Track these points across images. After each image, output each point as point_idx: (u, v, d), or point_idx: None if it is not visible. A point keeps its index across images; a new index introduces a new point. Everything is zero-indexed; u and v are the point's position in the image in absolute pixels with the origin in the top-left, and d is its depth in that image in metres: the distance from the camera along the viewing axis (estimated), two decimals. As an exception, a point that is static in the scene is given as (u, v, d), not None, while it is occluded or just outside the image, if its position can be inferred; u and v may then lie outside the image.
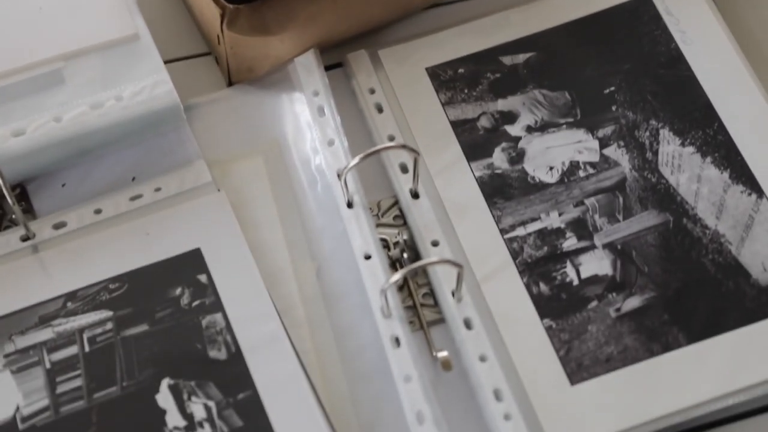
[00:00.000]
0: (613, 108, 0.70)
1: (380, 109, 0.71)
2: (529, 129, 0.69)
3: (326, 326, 0.63)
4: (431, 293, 0.65)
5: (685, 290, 0.62)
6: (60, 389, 0.60)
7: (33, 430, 0.58)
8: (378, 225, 0.67)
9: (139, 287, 0.63)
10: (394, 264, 0.66)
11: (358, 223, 0.65)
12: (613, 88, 0.70)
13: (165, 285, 0.63)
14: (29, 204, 0.67)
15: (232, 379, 0.60)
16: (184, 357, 0.61)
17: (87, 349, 0.61)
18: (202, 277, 0.64)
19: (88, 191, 0.68)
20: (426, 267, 0.64)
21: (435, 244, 0.65)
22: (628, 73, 0.71)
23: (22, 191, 0.67)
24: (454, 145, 0.69)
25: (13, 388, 0.60)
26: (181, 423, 0.59)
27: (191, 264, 0.64)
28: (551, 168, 0.68)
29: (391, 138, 0.70)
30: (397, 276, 0.61)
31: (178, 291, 0.63)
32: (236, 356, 0.61)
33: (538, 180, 0.67)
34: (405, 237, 0.67)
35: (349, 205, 0.66)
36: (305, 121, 0.70)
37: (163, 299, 0.63)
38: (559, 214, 0.66)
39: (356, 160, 0.65)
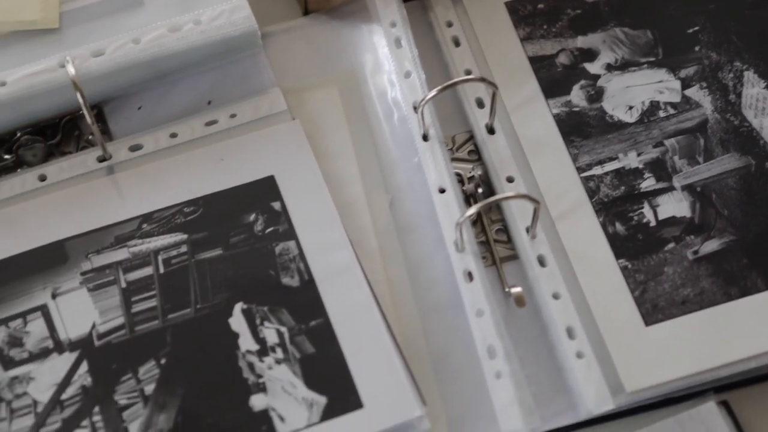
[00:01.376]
0: (696, 48, 0.68)
1: (457, 43, 0.70)
2: (609, 67, 0.68)
3: (399, 258, 0.63)
4: (504, 229, 0.64)
5: (766, 235, 0.61)
6: (135, 308, 0.60)
7: (109, 347, 0.59)
8: (452, 159, 0.66)
9: (214, 212, 0.64)
10: (468, 199, 0.65)
11: (433, 157, 0.65)
12: (696, 28, 0.69)
13: (239, 211, 0.64)
14: (105, 125, 0.67)
15: (305, 306, 0.60)
16: (257, 282, 0.61)
17: (162, 270, 0.62)
18: (276, 205, 0.64)
19: (163, 115, 0.68)
20: (501, 202, 0.64)
21: (510, 180, 0.65)
22: (713, 13, 0.69)
23: (98, 112, 0.67)
24: (531, 81, 0.68)
25: (90, 306, 0.60)
26: (254, 347, 0.59)
27: (265, 191, 0.64)
28: (630, 107, 0.67)
29: (468, 72, 0.69)
30: (473, 210, 0.60)
31: (252, 217, 0.63)
32: (309, 284, 0.61)
33: (616, 119, 0.66)
34: (479, 172, 0.66)
35: (425, 138, 0.66)
36: (382, 52, 0.70)
37: (237, 225, 0.63)
38: (638, 155, 0.65)
39: (434, 92, 0.64)
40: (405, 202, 0.65)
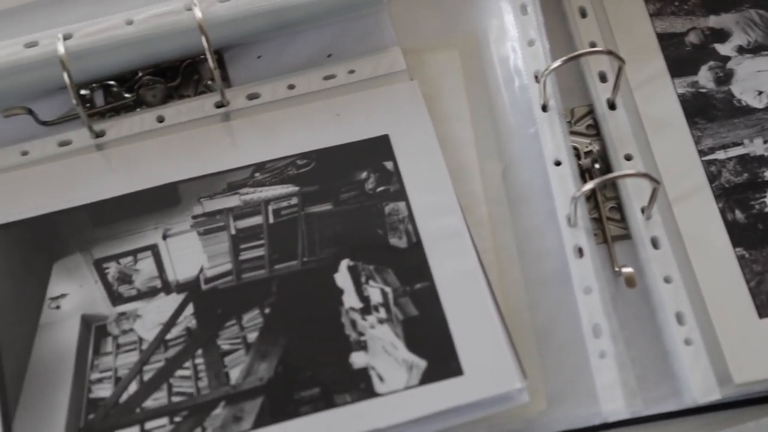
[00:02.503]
0: (834, 37, 0.66)
1: (584, 14, 0.69)
2: (741, 50, 0.66)
3: (508, 228, 0.62)
4: (618, 208, 0.63)
5: None
6: (243, 256, 0.61)
7: (215, 292, 0.60)
8: (570, 132, 0.65)
9: (326, 166, 0.63)
10: (583, 174, 0.64)
11: (551, 128, 0.64)
12: (836, 15, 0.66)
13: (351, 167, 0.63)
14: (225, 72, 0.68)
15: (411, 268, 0.60)
16: (365, 241, 0.61)
17: (271, 220, 0.62)
18: (389, 164, 0.63)
19: (282, 66, 0.68)
20: (617, 180, 0.63)
21: (628, 158, 0.63)
22: None
23: (218, 59, 0.68)
24: (658, 58, 0.66)
25: (199, 250, 0.61)
26: (358, 304, 0.59)
27: (379, 150, 0.64)
28: (760, 93, 0.65)
29: (593, 44, 0.67)
30: (591, 185, 0.59)
31: (364, 175, 0.63)
32: (416, 246, 0.61)
33: (744, 104, 0.64)
34: (596, 147, 0.65)
35: (544, 108, 0.65)
36: (506, 18, 0.69)
37: (348, 181, 0.63)
38: (764, 142, 0.63)
39: (558, 62, 0.63)
40: (518, 172, 0.64)
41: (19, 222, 0.61)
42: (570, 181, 0.62)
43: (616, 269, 0.61)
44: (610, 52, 0.63)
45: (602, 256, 0.61)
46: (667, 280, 0.59)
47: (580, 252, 0.60)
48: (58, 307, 0.59)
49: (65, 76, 0.61)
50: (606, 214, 0.63)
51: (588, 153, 0.65)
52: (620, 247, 0.62)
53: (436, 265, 0.60)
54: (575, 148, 0.65)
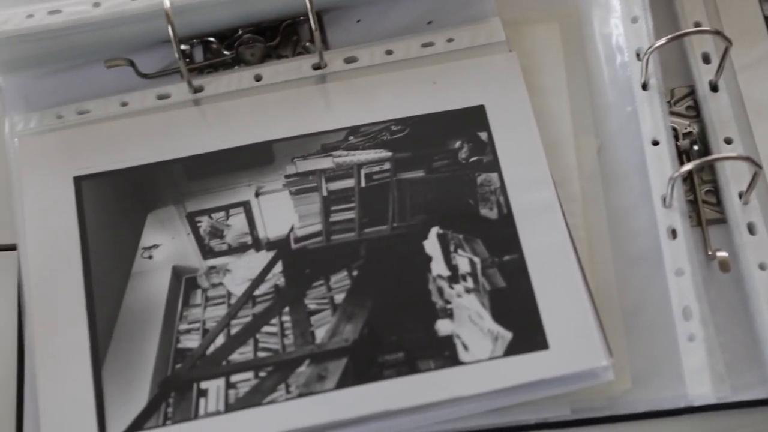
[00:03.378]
0: None
1: (689, -8, 0.67)
2: None
3: (601, 205, 0.62)
4: (714, 191, 0.62)
5: None
6: (333, 218, 0.61)
7: (304, 252, 0.60)
8: (670, 113, 0.64)
9: (420, 133, 0.63)
10: (681, 155, 0.63)
11: (650, 107, 0.63)
12: None
13: (445, 136, 0.63)
14: (324, 34, 0.68)
15: (500, 239, 0.60)
16: (455, 210, 0.61)
17: (363, 184, 0.62)
18: (483, 135, 0.63)
19: (381, 31, 0.68)
20: (715, 163, 0.61)
21: (728, 141, 0.62)
22: None
23: (318, 21, 0.68)
24: (765, 41, 0.65)
25: (290, 209, 0.61)
26: (445, 272, 0.59)
27: (473, 119, 0.64)
28: None
29: (697, 24, 0.66)
30: (690, 166, 0.59)
31: (457, 144, 0.63)
32: (507, 218, 0.60)
33: None
34: (696, 129, 0.64)
35: (644, 87, 0.64)
36: (610, -7, 0.68)
37: (441, 149, 0.63)
38: None
39: (663, 41, 0.62)
40: (614, 150, 0.63)
41: (117, 171, 0.62)
42: (667, 162, 0.61)
43: (710, 253, 0.60)
44: (717, 33, 0.61)
45: (696, 239, 0.60)
46: (762, 266, 0.58)
47: (673, 233, 0.59)
48: (150, 257, 0.60)
49: (169, 29, 0.62)
50: (702, 197, 0.62)
51: (687, 134, 0.64)
52: (714, 231, 0.61)
53: (526, 237, 0.60)
54: (674, 129, 0.64)
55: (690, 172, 0.62)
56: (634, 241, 0.61)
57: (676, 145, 0.63)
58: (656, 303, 0.58)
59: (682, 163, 0.61)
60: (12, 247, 0.61)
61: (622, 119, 0.64)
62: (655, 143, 0.62)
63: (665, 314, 0.58)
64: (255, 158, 0.63)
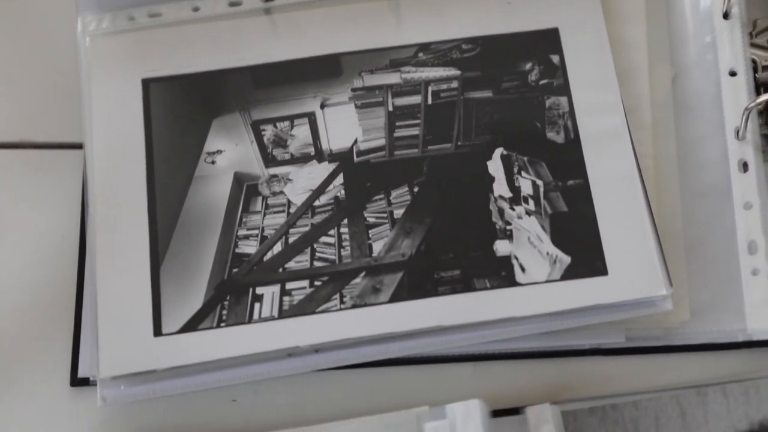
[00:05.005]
0: None
1: None
2: None
3: (671, 135, 0.60)
4: (790, 127, 0.60)
5: None
6: (397, 133, 0.61)
7: (366, 165, 0.60)
8: (750, 44, 0.62)
9: (491, 53, 0.62)
10: (758, 88, 0.61)
11: (731, 37, 0.61)
12: None
13: (516, 57, 0.62)
14: (399, -50, 0.67)
15: (565, 164, 0.59)
16: (521, 131, 0.60)
17: (429, 101, 0.61)
18: (555, 58, 0.62)
19: (457, -52, 0.66)
20: (794, 97, 0.60)
21: (809, 76, 0.60)
22: None
23: (394, -65, 0.67)
24: None
25: (355, 122, 0.61)
26: (507, 194, 0.58)
27: (546, 42, 0.62)
28: None
29: (785, -45, 0.64)
30: (765, 97, 0.57)
31: (528, 66, 0.62)
32: (573, 142, 0.59)
33: None
34: (776, 62, 0.62)
35: (725, 16, 0.62)
36: None
37: (511, 71, 0.62)
38: None
39: (747, -33, 0.60)
40: (689, 80, 0.62)
41: (185, 75, 0.62)
42: (743, 93, 0.59)
43: (781, 188, 0.58)
44: (804, -39, 0.59)
45: (767, 174, 0.59)
46: (834, 204, 0.57)
47: (744, 167, 0.58)
48: (213, 162, 0.60)
49: (243, -66, 0.61)
50: (777, 132, 0.60)
51: (766, 67, 0.62)
52: (788, 168, 0.60)
53: (592, 163, 0.59)
54: (753, 61, 0.62)
55: (766, 105, 0.60)
56: (703, 173, 0.59)
57: (755, 77, 0.61)
58: (721, 236, 0.57)
59: (759, 96, 0.59)
60: (78, 146, 0.62)
61: (700, 49, 0.62)
62: (733, 74, 0.60)
63: (730, 248, 0.57)
64: (322, 70, 0.62)
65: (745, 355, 0.56)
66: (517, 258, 0.57)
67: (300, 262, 0.58)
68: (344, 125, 0.61)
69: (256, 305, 0.56)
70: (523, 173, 0.59)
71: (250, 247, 0.58)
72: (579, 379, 0.57)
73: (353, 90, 0.62)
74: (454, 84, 0.62)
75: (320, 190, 0.59)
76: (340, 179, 0.60)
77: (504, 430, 0.54)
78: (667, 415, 0.54)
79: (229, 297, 0.57)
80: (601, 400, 0.54)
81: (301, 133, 0.61)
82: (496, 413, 0.55)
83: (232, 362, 0.56)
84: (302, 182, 0.60)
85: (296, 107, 0.62)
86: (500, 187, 0.59)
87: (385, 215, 0.58)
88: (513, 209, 0.58)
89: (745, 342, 0.56)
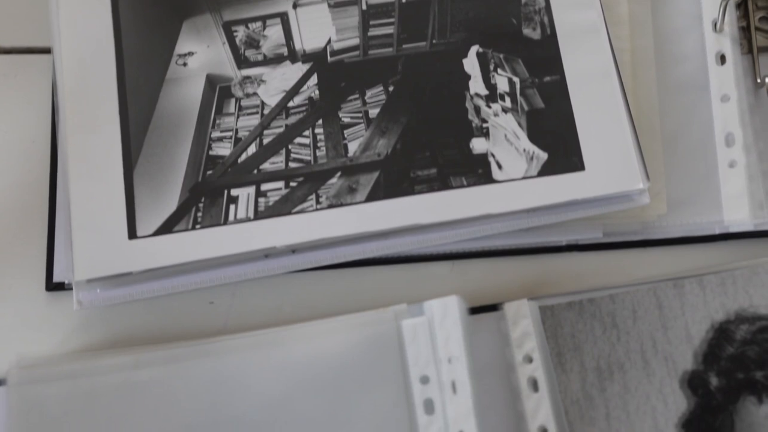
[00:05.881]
0: None
1: None
2: None
3: (648, 28, 0.60)
4: (768, 19, 0.60)
5: None
6: (371, 32, 0.60)
7: (340, 65, 0.59)
8: (727, -65, 0.61)
9: (465, -50, 0.61)
10: (736, -20, 0.60)
11: (708, -73, 0.60)
12: None
13: (491, -47, 0.61)
14: None
15: (542, 60, 0.58)
16: (497, 29, 0.59)
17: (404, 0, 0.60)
18: (530, -47, 0.61)
19: None
20: (772, -12, 0.59)
21: (787, -34, 0.60)
22: None
23: None
24: None
25: (328, 22, 0.60)
26: (483, 91, 0.58)
27: (521, -63, 0.61)
28: None
29: None
30: (743, -13, 0.56)
31: (503, -38, 0.61)
32: (550, 39, 0.58)
33: None
34: (754, -46, 0.61)
35: None
36: None
37: (486, -33, 0.61)
38: None
39: None
40: (666, -27, 0.61)
41: (152, -24, 0.61)
42: (721, -15, 0.59)
43: (758, 80, 0.58)
44: None
45: (745, 66, 0.58)
46: (812, 95, 0.56)
47: (722, 59, 0.57)
48: (185, 64, 0.59)
49: None
50: (755, 24, 0.59)
51: (744, -42, 0.61)
52: (766, 60, 0.59)
53: (568, 59, 0.58)
54: (730, -47, 0.61)
55: (744, -2, 0.59)
56: (680, 66, 0.59)
57: (733, -32, 0.60)
58: (698, 129, 0.57)
59: (736, -12, 0.58)
60: (47, 50, 0.61)
61: (677, -59, 0.61)
62: (710, -34, 0.59)
63: (707, 140, 0.56)
64: (294, -31, 0.61)
65: (721, 248, 0.56)
66: (493, 155, 0.56)
67: (275, 163, 0.57)
68: (317, 25, 0.60)
69: (231, 207, 0.56)
70: (499, 70, 0.58)
71: (224, 149, 0.57)
72: (556, 275, 0.57)
73: (325, -11, 0.61)
74: (429, -19, 0.61)
75: (294, 90, 0.59)
76: (314, 80, 0.59)
77: (482, 326, 0.54)
78: (644, 308, 0.54)
79: (204, 199, 0.56)
80: (578, 295, 0.55)
81: (274, 33, 0.60)
82: (474, 310, 0.55)
83: (209, 264, 0.55)
84: (276, 83, 0.59)
85: (268, 7, 0.60)
86: (476, 85, 0.58)
87: (360, 115, 0.58)
88: (489, 107, 0.57)
89: (721, 234, 0.56)
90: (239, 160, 0.57)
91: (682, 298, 0.54)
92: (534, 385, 0.53)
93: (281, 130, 0.58)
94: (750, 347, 0.52)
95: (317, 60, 0.59)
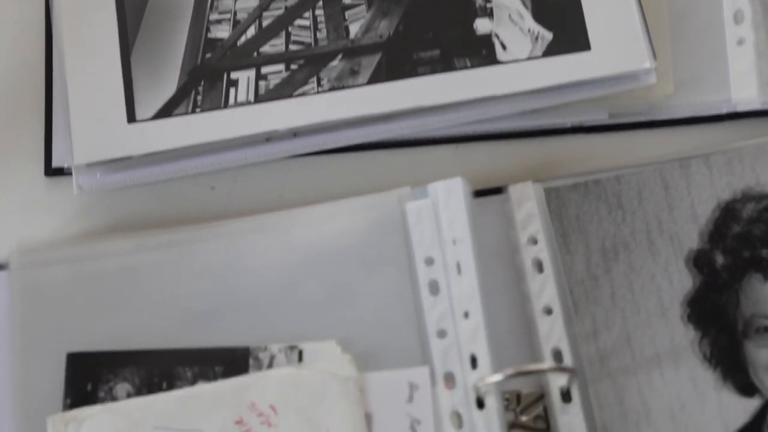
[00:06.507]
0: None
1: None
2: None
3: None
4: None
5: None
6: None
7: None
8: None
9: None
10: None
11: None
12: None
13: None
14: None
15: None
16: None
17: None
18: None
19: None
20: None
21: None
22: None
23: None
24: None
25: None
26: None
27: None
28: None
29: None
30: None
31: None
32: None
33: None
34: None
35: None
36: None
37: None
38: None
39: None
40: None
41: None
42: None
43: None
44: None
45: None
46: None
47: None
48: (180, -55, 0.58)
49: None
50: None
51: None
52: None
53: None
54: None
55: None
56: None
57: None
58: (706, 6, 0.56)
59: None
60: (39, -68, 0.59)
61: None
62: None
63: (715, 18, 0.55)
64: None
65: (728, 127, 0.55)
66: (497, 36, 0.55)
67: (275, 45, 0.56)
68: None
69: (231, 90, 0.55)
70: (502, -52, 0.57)
71: (222, 32, 0.56)
72: (561, 158, 0.56)
73: None
74: None
75: (292, -29, 0.57)
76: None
77: (486, 209, 0.54)
78: (650, 188, 0.53)
79: (203, 82, 0.55)
80: (583, 177, 0.54)
81: None
82: (479, 194, 0.54)
83: (209, 148, 0.55)
84: (273, -36, 0.58)
85: None
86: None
87: (361, -4, 0.57)
88: (493, -14, 0.56)
89: (728, 114, 0.55)
90: (238, 43, 0.56)
91: (688, 178, 0.53)
92: (539, 267, 0.52)
93: (280, 12, 0.57)
94: (756, 225, 0.52)
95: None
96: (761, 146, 0.53)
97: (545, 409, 0.51)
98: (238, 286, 0.52)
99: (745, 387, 0.50)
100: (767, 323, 0.50)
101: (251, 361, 0.51)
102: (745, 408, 0.50)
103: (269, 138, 0.55)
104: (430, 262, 0.52)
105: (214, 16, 0.56)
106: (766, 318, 0.51)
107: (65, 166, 0.55)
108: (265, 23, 0.56)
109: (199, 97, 0.55)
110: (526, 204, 0.53)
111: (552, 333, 0.51)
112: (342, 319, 0.52)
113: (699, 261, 0.52)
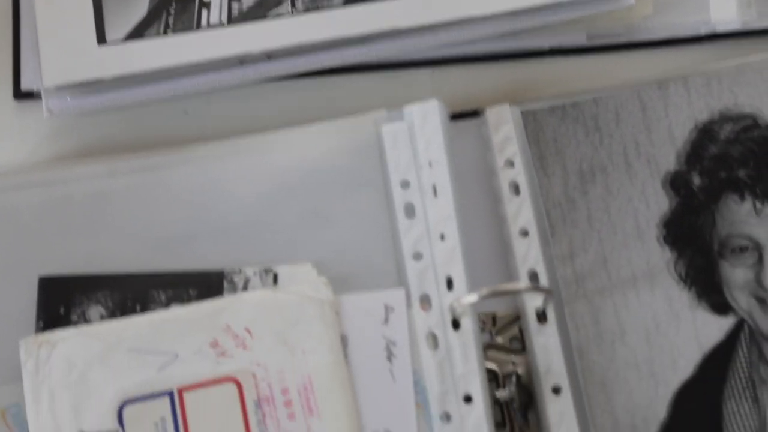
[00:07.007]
0: None
1: None
2: None
3: None
4: None
5: None
6: None
7: None
8: None
9: None
10: None
11: None
12: None
13: None
14: None
15: None
16: None
17: None
18: None
19: None
20: None
21: None
22: None
23: None
24: None
25: None
26: None
27: None
28: None
29: None
30: None
31: None
32: None
33: None
34: None
35: None
36: None
37: None
38: None
39: None
40: None
41: None
42: None
43: None
44: None
45: None
46: None
47: None
48: None
49: None
50: None
51: None
52: None
53: None
54: None
55: None
56: None
57: None
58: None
59: None
60: None
61: None
62: None
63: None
64: None
65: (707, 48, 0.55)
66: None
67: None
68: None
69: (204, 12, 0.54)
70: None
71: (194, -48, 0.55)
72: (539, 80, 0.56)
73: None
74: None
75: None
76: None
77: (463, 132, 0.53)
78: (628, 110, 0.53)
79: (175, 3, 0.54)
80: (561, 99, 0.53)
81: None
82: (456, 117, 0.54)
83: (182, 71, 0.54)
84: None
85: None
86: None
87: None
88: None
89: (707, 35, 0.55)
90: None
91: (666, 99, 0.53)
92: (516, 189, 0.52)
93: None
94: (733, 146, 0.52)
95: None
96: (740, 67, 0.53)
97: (521, 331, 0.51)
98: (212, 210, 0.52)
99: (720, 306, 0.50)
100: (743, 243, 0.50)
101: (226, 285, 0.51)
102: (720, 326, 0.50)
103: (243, 61, 0.54)
104: (405, 185, 0.52)
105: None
106: (741, 238, 0.50)
107: (35, 89, 0.54)
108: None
109: (171, 19, 0.54)
110: (503, 127, 0.53)
111: (528, 255, 0.51)
112: (317, 242, 0.51)
113: (676, 182, 0.51)
